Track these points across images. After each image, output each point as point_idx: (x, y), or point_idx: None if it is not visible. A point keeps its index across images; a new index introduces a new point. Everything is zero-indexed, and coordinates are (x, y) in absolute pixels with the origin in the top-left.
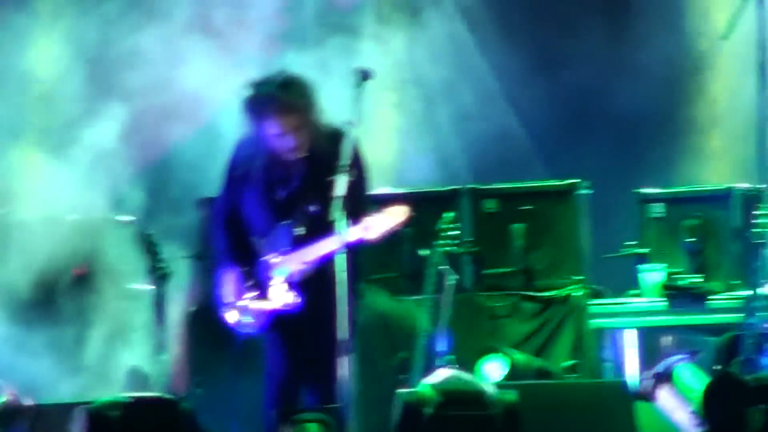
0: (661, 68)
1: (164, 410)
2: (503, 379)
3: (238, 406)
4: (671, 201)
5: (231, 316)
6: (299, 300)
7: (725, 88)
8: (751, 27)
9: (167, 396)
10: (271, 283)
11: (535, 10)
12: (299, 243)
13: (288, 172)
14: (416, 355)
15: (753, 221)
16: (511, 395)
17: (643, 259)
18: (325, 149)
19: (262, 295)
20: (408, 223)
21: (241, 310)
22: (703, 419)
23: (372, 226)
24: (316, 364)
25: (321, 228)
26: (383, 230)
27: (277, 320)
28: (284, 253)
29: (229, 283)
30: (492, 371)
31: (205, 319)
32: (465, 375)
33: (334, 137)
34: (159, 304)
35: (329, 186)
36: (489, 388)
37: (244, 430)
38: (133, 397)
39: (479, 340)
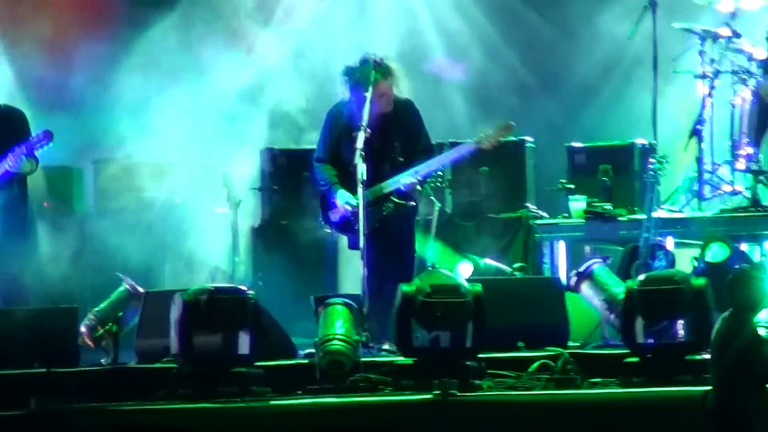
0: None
1: (237, 297)
2: (472, 276)
3: (289, 296)
4: (591, 152)
5: (336, 215)
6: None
7: None
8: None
9: (238, 287)
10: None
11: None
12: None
13: (380, 126)
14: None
15: (648, 166)
16: (477, 287)
17: (571, 192)
18: (401, 109)
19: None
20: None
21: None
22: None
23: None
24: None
25: (407, 160)
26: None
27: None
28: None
29: (341, 198)
30: (464, 271)
31: (266, 233)
32: (446, 273)
33: (404, 104)
34: (234, 223)
35: (408, 132)
36: (462, 282)
37: (294, 314)
38: (215, 287)
39: (456, 249)
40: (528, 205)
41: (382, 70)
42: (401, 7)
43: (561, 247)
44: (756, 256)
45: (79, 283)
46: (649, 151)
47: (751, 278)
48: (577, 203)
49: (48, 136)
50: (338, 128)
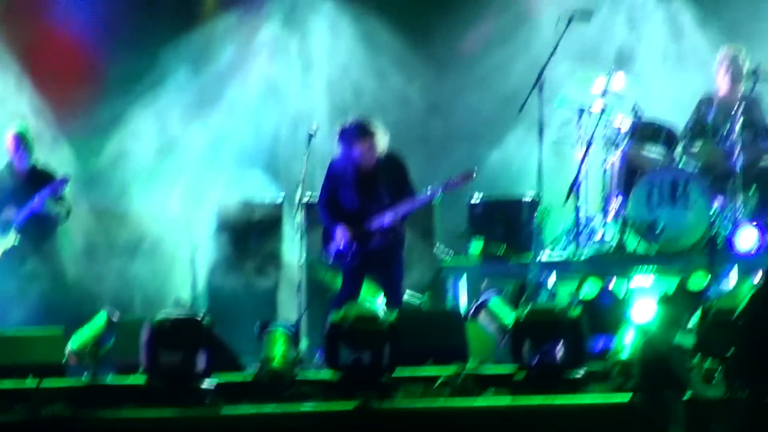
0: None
1: (194, 322)
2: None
3: (239, 321)
4: (488, 203)
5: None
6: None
7: None
8: None
9: (197, 315)
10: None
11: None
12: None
13: (368, 174)
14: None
15: (534, 216)
16: (393, 316)
17: (471, 236)
18: (386, 159)
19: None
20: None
21: (348, 248)
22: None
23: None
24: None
25: (389, 204)
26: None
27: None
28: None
29: (340, 232)
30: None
31: (221, 269)
32: (366, 305)
33: (390, 156)
34: (194, 261)
35: (392, 182)
36: (380, 312)
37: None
38: (177, 315)
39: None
40: (437, 249)
41: (362, 131)
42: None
43: (463, 282)
44: (621, 292)
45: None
46: (535, 203)
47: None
48: (477, 245)
49: (65, 180)
50: (335, 178)
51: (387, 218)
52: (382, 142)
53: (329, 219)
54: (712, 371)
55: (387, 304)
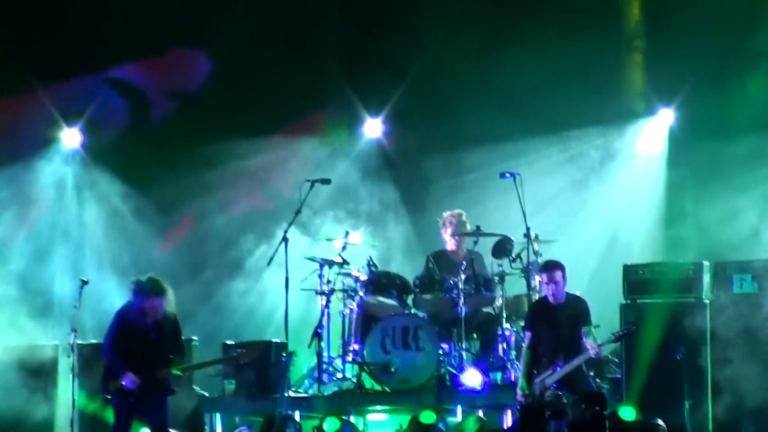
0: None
1: None
2: None
3: None
4: (240, 347)
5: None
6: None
7: None
8: None
9: None
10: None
11: None
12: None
13: (154, 328)
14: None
15: (281, 358)
16: None
17: (225, 377)
18: (170, 318)
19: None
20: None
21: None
22: None
23: None
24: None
25: (162, 354)
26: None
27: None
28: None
29: (128, 377)
30: None
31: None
32: None
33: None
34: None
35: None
36: None
37: None
38: None
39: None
40: (195, 387)
41: (155, 288)
42: None
43: (218, 418)
44: (360, 426)
45: None
46: (282, 347)
47: None
48: (230, 385)
49: None
50: (125, 325)
51: (164, 375)
52: (170, 300)
53: (119, 361)
54: None
55: None
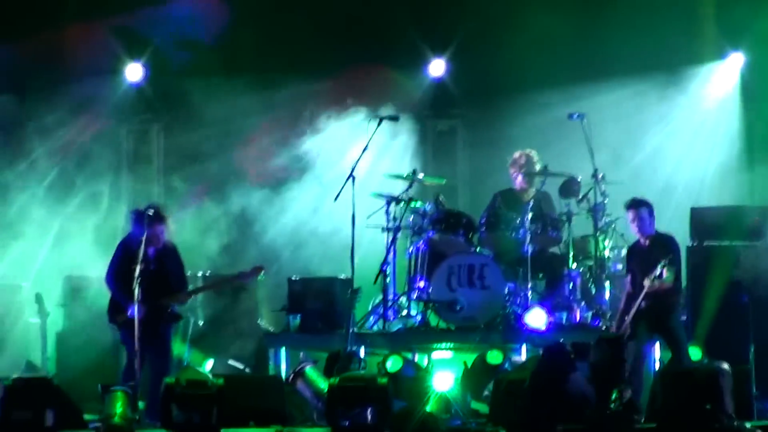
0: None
1: (44, 383)
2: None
3: (85, 383)
4: (305, 282)
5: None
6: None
7: None
8: None
9: (46, 376)
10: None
11: None
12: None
13: (154, 256)
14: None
15: (347, 295)
16: (220, 381)
17: (291, 312)
18: (170, 247)
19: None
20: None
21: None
22: None
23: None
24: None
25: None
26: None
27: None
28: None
29: (132, 307)
30: (209, 367)
31: (68, 337)
32: (197, 370)
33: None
34: (43, 329)
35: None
36: (209, 377)
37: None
38: (28, 376)
39: (206, 352)
40: (260, 322)
41: (152, 216)
42: None
43: (283, 352)
44: (425, 363)
45: None
46: (348, 283)
47: None
48: (295, 320)
49: None
50: (125, 254)
51: (166, 303)
52: (169, 228)
53: (120, 293)
54: None
55: (157, 371)
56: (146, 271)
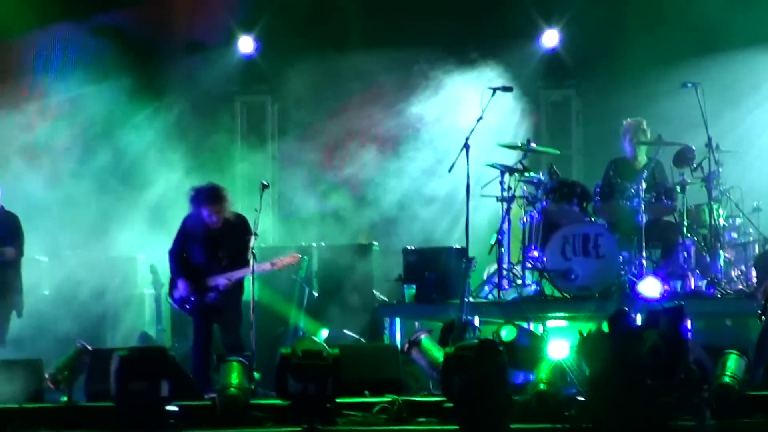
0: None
1: (159, 354)
2: (332, 342)
3: None
4: (420, 253)
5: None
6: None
7: None
8: None
9: (161, 347)
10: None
11: None
12: (221, 269)
13: (214, 235)
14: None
15: (462, 265)
16: (335, 351)
17: (405, 282)
18: (232, 223)
19: (198, 292)
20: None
21: (187, 299)
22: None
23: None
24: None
25: (230, 263)
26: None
27: (205, 306)
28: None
29: (181, 285)
30: (324, 335)
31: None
32: (313, 339)
33: (237, 217)
34: (158, 300)
35: (234, 246)
36: (325, 347)
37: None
38: (144, 347)
39: (320, 321)
40: (375, 292)
41: (211, 196)
42: None
43: (397, 322)
44: (540, 331)
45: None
46: (462, 252)
47: None
48: (410, 290)
49: None
50: (186, 233)
51: (221, 283)
52: (228, 207)
53: (175, 270)
54: None
55: (227, 348)
56: (200, 248)
